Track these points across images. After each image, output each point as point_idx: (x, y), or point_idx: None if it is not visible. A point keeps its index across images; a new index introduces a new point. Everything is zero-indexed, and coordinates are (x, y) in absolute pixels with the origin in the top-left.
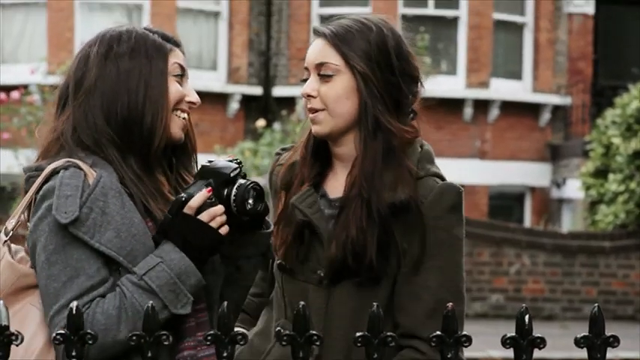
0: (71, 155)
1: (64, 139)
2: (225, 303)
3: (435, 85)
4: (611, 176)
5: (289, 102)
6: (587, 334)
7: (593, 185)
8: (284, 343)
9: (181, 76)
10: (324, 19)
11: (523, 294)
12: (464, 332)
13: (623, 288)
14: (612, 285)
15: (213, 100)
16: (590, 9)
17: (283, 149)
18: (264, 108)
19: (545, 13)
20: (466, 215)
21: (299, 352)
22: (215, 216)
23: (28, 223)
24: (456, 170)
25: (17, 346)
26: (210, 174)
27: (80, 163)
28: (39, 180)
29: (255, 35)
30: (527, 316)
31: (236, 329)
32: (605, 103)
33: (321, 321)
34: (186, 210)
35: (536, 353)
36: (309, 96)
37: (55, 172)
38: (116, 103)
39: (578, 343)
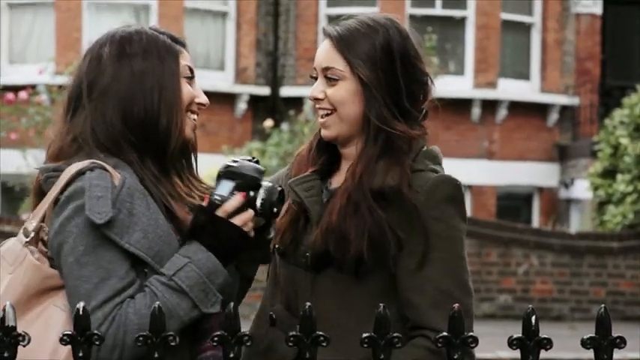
0: (91, 156)
1: (82, 139)
2: (232, 304)
3: (443, 86)
4: (619, 176)
5: (297, 102)
6: (593, 335)
7: (601, 185)
8: (290, 344)
9: (191, 77)
10: (332, 19)
11: (531, 294)
12: (471, 333)
13: (632, 288)
14: (620, 285)
15: (220, 100)
16: (597, 9)
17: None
18: (272, 108)
19: (553, 14)
20: (474, 215)
21: (305, 353)
22: (247, 221)
23: (43, 224)
24: (464, 171)
25: (24, 347)
26: (237, 176)
27: (104, 164)
28: (62, 180)
29: (262, 35)
30: (533, 317)
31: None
32: (613, 103)
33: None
34: (219, 213)
35: (545, 354)
36: (316, 99)
37: (80, 173)
38: (132, 105)
39: (585, 344)
